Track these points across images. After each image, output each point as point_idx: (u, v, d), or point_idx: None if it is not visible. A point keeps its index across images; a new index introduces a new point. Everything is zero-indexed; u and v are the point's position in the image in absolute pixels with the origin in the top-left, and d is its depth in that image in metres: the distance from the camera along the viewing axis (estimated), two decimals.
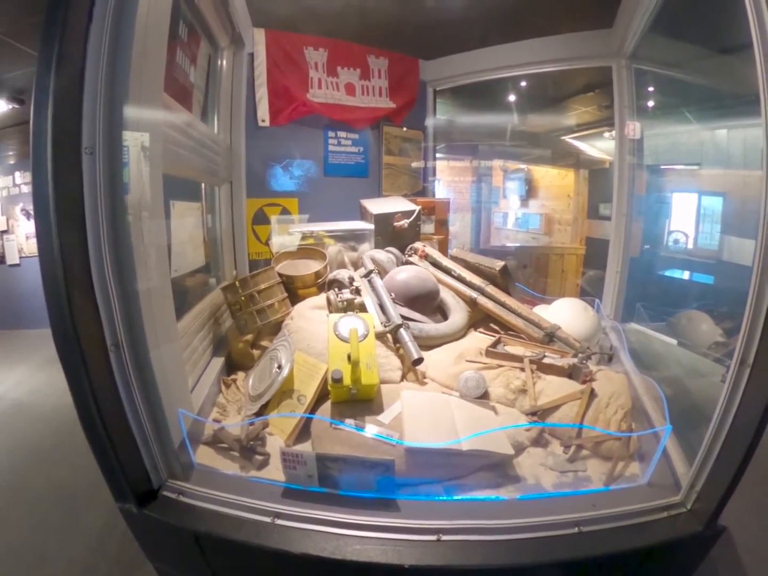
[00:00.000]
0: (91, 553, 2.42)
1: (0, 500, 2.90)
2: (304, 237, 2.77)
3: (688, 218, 3.56)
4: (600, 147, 5.50)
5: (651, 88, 3.14)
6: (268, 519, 1.32)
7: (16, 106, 5.45)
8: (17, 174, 7.02)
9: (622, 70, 2.92)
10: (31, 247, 7.08)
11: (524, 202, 6.09)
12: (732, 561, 2.07)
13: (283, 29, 3.28)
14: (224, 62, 2.97)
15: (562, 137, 5.62)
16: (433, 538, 1.26)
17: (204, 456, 1.62)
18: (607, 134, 4.98)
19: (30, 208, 6.89)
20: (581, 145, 5.69)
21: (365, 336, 1.79)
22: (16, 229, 7.16)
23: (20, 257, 7.19)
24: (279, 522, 1.32)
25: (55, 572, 2.33)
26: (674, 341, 2.50)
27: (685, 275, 3.59)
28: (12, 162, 7.22)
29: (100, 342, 1.23)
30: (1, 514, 2.77)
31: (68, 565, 2.36)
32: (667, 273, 3.63)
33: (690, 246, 3.57)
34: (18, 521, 2.70)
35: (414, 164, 4.05)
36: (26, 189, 6.96)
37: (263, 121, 3.26)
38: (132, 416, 1.33)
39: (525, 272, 5.00)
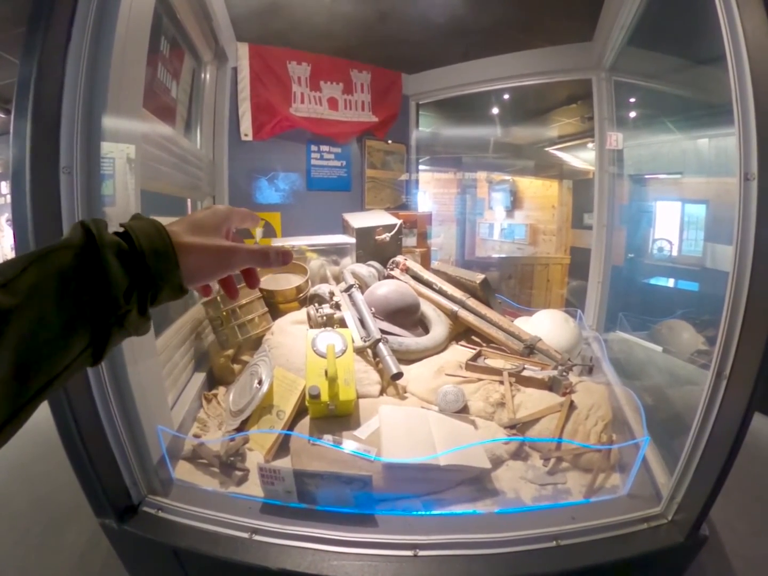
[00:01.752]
0: (74, 570, 2.39)
1: None
2: None
3: (671, 226, 3.60)
4: (583, 158, 5.55)
5: (631, 100, 3.18)
6: (245, 535, 1.32)
7: (2, 116, 5.44)
8: (3, 184, 6.95)
9: (602, 82, 2.94)
10: None
11: (509, 213, 6.13)
12: (722, 567, 2.07)
13: (267, 43, 3.29)
14: (207, 76, 2.97)
15: (546, 148, 5.67)
16: (410, 553, 1.26)
17: (184, 471, 1.61)
18: (590, 145, 5.01)
19: None
20: (565, 156, 5.75)
21: (343, 351, 1.79)
22: (2, 239, 7.08)
23: None
24: (256, 538, 1.31)
25: None
26: (659, 348, 2.51)
27: (669, 283, 3.62)
28: None
29: None
30: None
31: None
32: (651, 281, 3.66)
33: (674, 254, 3.60)
34: None
35: (402, 177, 4.06)
36: None
37: (246, 135, 3.26)
38: (110, 432, 1.32)
39: (510, 283, 5.02)
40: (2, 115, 5.45)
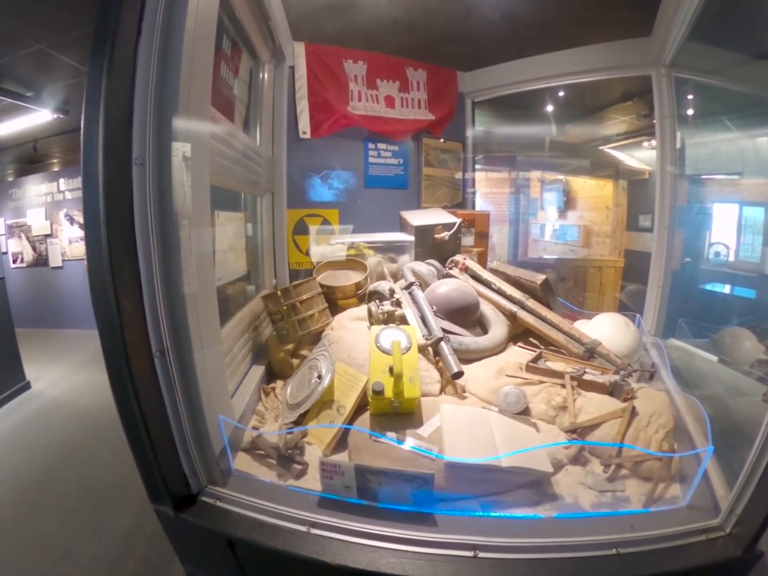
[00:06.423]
0: (118, 552, 2.45)
1: (30, 494, 2.98)
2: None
3: (729, 230, 3.48)
4: (639, 157, 5.41)
5: (691, 97, 3.09)
6: (303, 528, 1.32)
7: (61, 116, 5.63)
8: (61, 181, 7.25)
9: (662, 78, 2.88)
10: (74, 250, 7.33)
11: (562, 214, 6.01)
12: None
13: (323, 42, 3.32)
14: (265, 75, 3.02)
15: (601, 147, 5.56)
16: (470, 554, 1.24)
17: (242, 463, 1.63)
18: (646, 144, 4.92)
19: (73, 213, 7.13)
20: (620, 155, 5.62)
21: (408, 349, 1.77)
22: (60, 233, 7.42)
23: (63, 260, 7.44)
24: (314, 531, 1.31)
25: (79, 568, 2.37)
26: (714, 358, 2.43)
27: (725, 289, 3.51)
28: (56, 169, 7.47)
29: (146, 348, 1.26)
30: (30, 508, 2.84)
31: (94, 562, 2.39)
32: (708, 287, 3.55)
33: (731, 259, 3.49)
34: (46, 516, 2.76)
35: (456, 175, 4.05)
36: (70, 195, 7.23)
37: (304, 133, 3.30)
38: (174, 421, 1.35)
39: (563, 285, 4.94)
40: (61, 116, 5.64)
